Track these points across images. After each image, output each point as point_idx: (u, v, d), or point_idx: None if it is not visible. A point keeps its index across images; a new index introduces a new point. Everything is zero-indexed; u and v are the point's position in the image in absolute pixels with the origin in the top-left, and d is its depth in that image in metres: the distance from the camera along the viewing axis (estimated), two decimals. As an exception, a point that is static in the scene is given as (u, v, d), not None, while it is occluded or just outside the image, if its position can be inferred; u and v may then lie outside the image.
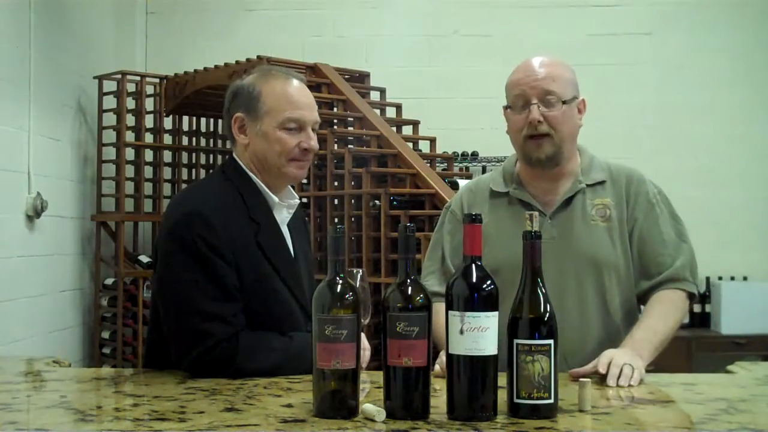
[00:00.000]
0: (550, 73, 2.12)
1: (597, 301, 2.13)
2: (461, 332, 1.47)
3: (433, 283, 2.21)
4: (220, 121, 5.62)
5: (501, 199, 2.23)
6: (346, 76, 5.14)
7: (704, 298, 5.41)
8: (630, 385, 1.80)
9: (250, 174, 2.05)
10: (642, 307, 2.20)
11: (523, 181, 2.22)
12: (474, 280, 1.49)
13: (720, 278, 5.40)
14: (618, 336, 2.12)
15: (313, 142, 2.05)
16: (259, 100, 2.02)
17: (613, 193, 2.19)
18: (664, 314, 2.10)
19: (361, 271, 1.93)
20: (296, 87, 2.05)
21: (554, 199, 2.18)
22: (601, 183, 2.20)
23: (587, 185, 2.18)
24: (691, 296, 2.17)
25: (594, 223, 2.16)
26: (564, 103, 2.11)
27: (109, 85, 5.20)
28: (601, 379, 1.84)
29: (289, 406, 1.60)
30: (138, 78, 5.26)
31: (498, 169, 2.32)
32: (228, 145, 5.44)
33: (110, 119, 5.21)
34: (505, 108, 2.19)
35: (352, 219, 4.39)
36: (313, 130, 2.06)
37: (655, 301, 2.13)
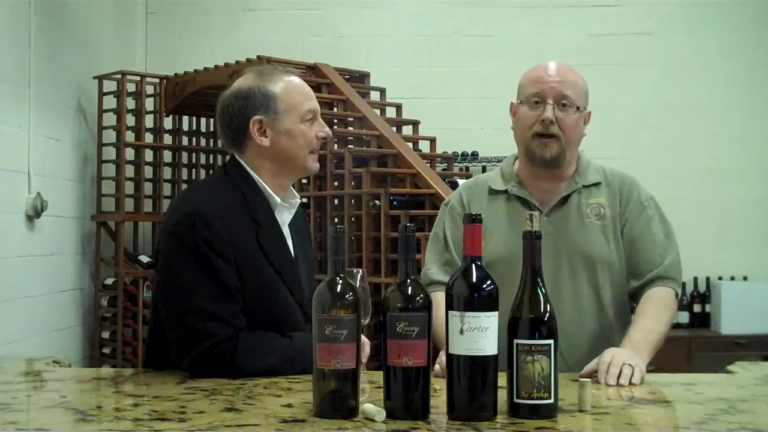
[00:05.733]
0: (568, 78, 2.17)
1: (591, 296, 2.18)
2: (461, 332, 1.47)
3: (435, 271, 2.24)
4: (220, 121, 5.61)
5: (499, 196, 2.27)
6: (346, 76, 5.14)
7: (704, 298, 5.41)
8: (632, 384, 1.81)
9: (253, 174, 2.05)
10: (633, 305, 2.23)
11: (522, 180, 2.25)
12: (474, 280, 1.49)
13: (720, 278, 5.40)
14: (611, 330, 2.18)
15: (327, 129, 2.11)
16: (275, 99, 2.03)
17: (607, 194, 2.24)
18: (657, 313, 2.12)
19: (361, 271, 1.94)
20: (299, 81, 2.10)
21: (551, 199, 2.23)
22: (596, 184, 2.25)
23: (583, 186, 2.23)
24: (676, 295, 2.20)
25: (589, 221, 2.21)
26: (577, 109, 2.16)
27: (109, 85, 5.20)
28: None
29: (289, 406, 1.60)
30: (138, 78, 5.26)
31: (496, 169, 2.35)
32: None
33: (110, 119, 5.21)
34: (515, 103, 2.22)
35: (352, 219, 4.39)
36: None
37: (647, 301, 2.15)
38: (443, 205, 2.39)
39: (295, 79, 2.09)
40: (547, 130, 2.14)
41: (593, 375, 1.85)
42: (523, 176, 2.25)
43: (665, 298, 2.16)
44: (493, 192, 2.27)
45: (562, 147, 2.16)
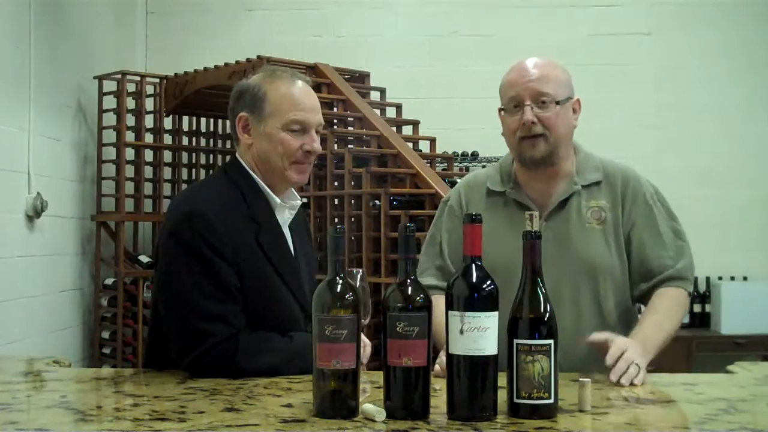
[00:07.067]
0: (543, 74, 2.12)
1: (592, 304, 2.13)
2: (461, 332, 1.47)
3: (427, 277, 2.21)
4: (220, 121, 5.64)
5: (497, 198, 2.22)
6: (346, 76, 5.14)
7: (704, 298, 5.41)
8: (632, 384, 1.81)
9: (252, 174, 2.05)
10: (641, 306, 2.20)
11: (519, 181, 2.21)
12: (474, 280, 1.49)
13: (720, 278, 5.40)
14: None
15: (316, 145, 2.05)
16: (264, 100, 2.02)
17: (608, 194, 2.18)
18: (669, 312, 2.09)
19: (361, 271, 1.93)
20: (301, 88, 2.05)
21: (550, 201, 2.17)
22: (597, 183, 2.19)
23: (582, 186, 2.17)
24: (688, 295, 2.18)
25: (589, 225, 2.15)
26: (557, 103, 2.11)
27: (109, 85, 5.20)
28: (602, 367, 1.85)
29: (289, 406, 1.60)
30: (138, 78, 5.26)
31: (495, 166, 2.30)
32: (229, 145, 5.46)
33: (110, 119, 5.21)
34: (500, 110, 2.18)
35: (352, 219, 4.39)
36: (316, 132, 2.06)
37: (660, 297, 2.12)
38: (443, 203, 2.35)
39: (298, 87, 2.04)
40: (530, 131, 2.10)
41: (601, 349, 1.84)
42: (521, 177, 2.20)
43: (679, 297, 2.13)
44: (491, 193, 2.23)
45: (551, 144, 2.11)
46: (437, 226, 2.31)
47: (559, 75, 2.15)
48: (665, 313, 2.09)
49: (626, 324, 2.16)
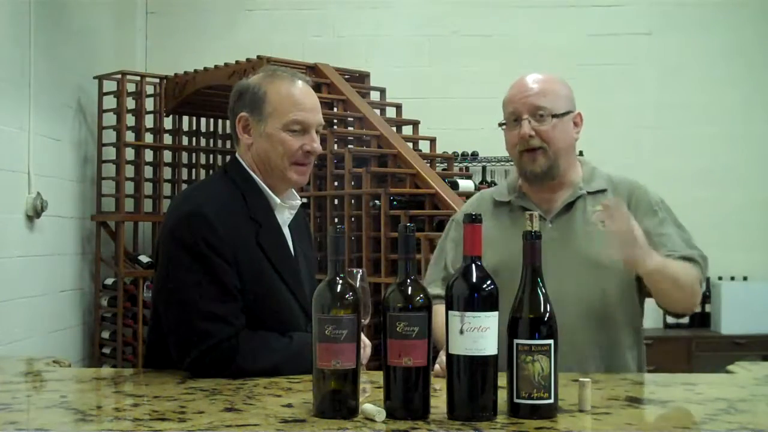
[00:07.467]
0: (541, 88, 2.15)
1: (598, 305, 2.13)
2: (461, 332, 1.47)
3: (435, 290, 2.20)
4: (220, 121, 5.64)
5: (503, 207, 2.26)
6: (346, 76, 5.14)
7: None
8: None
9: (252, 174, 2.06)
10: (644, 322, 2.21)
11: (525, 192, 2.24)
12: (474, 280, 1.49)
13: (720, 278, 5.40)
14: (618, 339, 2.13)
15: (316, 145, 2.06)
16: (264, 100, 2.03)
17: None
18: (683, 265, 2.09)
19: (361, 271, 1.93)
20: (301, 89, 2.05)
21: (555, 206, 2.20)
22: (602, 191, 2.21)
23: (588, 192, 2.20)
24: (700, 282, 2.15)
25: (594, 226, 2.15)
26: (555, 117, 2.13)
27: (109, 85, 5.20)
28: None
29: (289, 406, 1.60)
30: (138, 78, 5.27)
31: (503, 183, 2.35)
32: (229, 145, 5.45)
33: (110, 119, 5.22)
34: (500, 125, 2.22)
35: (352, 219, 4.39)
36: (316, 132, 2.06)
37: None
38: (450, 220, 2.40)
39: (298, 88, 2.05)
40: (528, 144, 2.13)
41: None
42: (526, 189, 2.24)
43: (690, 266, 2.12)
44: (497, 204, 2.27)
45: (550, 157, 2.14)
46: (444, 241, 2.34)
47: (558, 89, 2.17)
48: (680, 263, 2.08)
49: (632, 326, 2.17)
